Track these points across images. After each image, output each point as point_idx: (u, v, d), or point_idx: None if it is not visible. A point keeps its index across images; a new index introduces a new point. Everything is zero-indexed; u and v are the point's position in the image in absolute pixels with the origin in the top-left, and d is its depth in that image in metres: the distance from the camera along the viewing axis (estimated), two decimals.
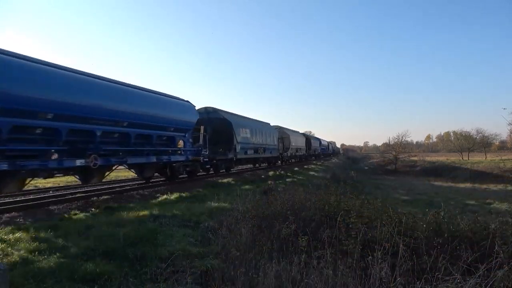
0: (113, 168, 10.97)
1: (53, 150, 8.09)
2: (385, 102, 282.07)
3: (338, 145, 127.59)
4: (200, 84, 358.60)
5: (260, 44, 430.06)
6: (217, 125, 18.21)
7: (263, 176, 19.29)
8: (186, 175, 15.35)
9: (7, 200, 9.73)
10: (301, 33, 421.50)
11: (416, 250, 4.35)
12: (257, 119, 26.08)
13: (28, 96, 7.23)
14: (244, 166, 24.85)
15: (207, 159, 15.76)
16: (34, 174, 8.28)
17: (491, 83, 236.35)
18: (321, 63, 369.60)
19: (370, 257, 3.91)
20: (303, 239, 4.59)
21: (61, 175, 9.85)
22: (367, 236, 4.80)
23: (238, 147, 19.00)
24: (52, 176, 9.24)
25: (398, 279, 3.53)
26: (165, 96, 13.12)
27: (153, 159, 11.69)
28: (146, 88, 12.10)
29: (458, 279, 3.33)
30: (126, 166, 11.76)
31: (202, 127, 15.52)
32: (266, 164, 27.63)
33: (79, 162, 8.58)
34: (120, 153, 10.42)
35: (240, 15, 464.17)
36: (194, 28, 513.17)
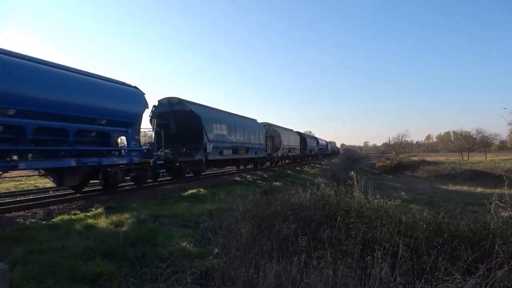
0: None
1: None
2: (385, 102, 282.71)
3: (338, 145, 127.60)
4: (199, 84, 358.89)
5: (260, 45, 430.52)
6: (183, 120, 15.03)
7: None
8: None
9: (7, 200, 9.73)
10: (301, 33, 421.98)
11: (416, 250, 4.34)
12: (242, 114, 22.37)
13: None
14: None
15: (162, 162, 12.41)
16: None
17: (491, 83, 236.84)
18: (321, 64, 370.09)
19: (370, 257, 3.91)
20: (303, 239, 4.59)
21: None
22: (367, 236, 4.80)
23: (210, 147, 15.86)
24: None
25: (398, 279, 3.53)
26: (93, 77, 9.68)
27: (72, 162, 8.56)
28: (58, 64, 8.75)
29: (458, 279, 3.33)
30: (42, 172, 9.06)
31: (154, 121, 12.91)
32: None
33: None
34: (9, 155, 7.27)
35: (240, 15, 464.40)
36: (195, 29, 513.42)
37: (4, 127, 7.22)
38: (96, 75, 9.99)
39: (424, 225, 5.04)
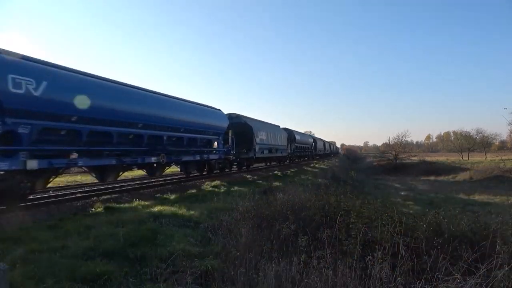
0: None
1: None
2: (385, 102, 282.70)
3: (338, 145, 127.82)
4: (200, 84, 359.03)
5: (259, 45, 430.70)
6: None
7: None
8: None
9: None
10: (301, 33, 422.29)
11: (416, 250, 4.35)
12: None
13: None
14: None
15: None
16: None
17: (491, 83, 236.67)
18: (321, 64, 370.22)
19: (370, 257, 3.91)
20: (303, 239, 4.59)
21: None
22: (367, 236, 4.79)
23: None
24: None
25: (398, 279, 3.53)
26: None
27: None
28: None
29: (458, 279, 3.33)
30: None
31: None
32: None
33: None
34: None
35: (240, 15, 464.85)
36: (195, 30, 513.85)
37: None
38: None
39: (424, 225, 5.04)
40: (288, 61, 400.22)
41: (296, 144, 35.10)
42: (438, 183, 31.41)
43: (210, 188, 12.64)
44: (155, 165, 11.84)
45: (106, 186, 12.77)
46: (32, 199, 9.12)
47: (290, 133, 33.31)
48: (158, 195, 10.64)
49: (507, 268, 3.45)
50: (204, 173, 16.69)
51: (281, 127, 32.31)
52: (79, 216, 7.28)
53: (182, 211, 7.76)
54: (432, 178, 36.09)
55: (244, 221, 5.97)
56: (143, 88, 11.76)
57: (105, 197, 10.16)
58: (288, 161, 33.50)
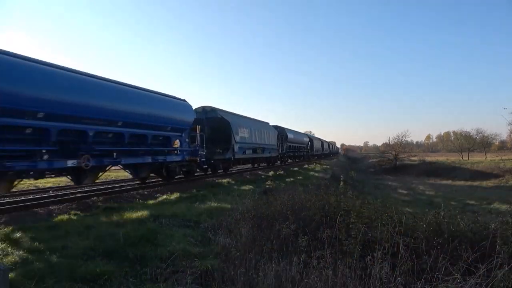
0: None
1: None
2: (385, 102, 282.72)
3: (338, 145, 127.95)
4: (199, 83, 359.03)
5: (258, 45, 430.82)
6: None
7: None
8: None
9: (7, 200, 9.72)
10: (301, 32, 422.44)
11: (416, 250, 4.34)
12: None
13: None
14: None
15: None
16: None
17: (491, 83, 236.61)
18: (321, 64, 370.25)
19: (370, 257, 3.90)
20: (303, 239, 4.59)
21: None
22: (367, 236, 4.79)
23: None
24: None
25: (398, 279, 3.53)
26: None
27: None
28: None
29: (458, 279, 3.33)
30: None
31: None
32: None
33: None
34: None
35: (239, 14, 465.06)
36: (195, 29, 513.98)
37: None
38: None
39: (424, 225, 5.04)
40: (287, 61, 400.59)
41: (288, 144, 31.84)
42: (441, 185, 31.34)
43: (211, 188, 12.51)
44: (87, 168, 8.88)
45: (106, 186, 12.77)
46: None
47: (281, 131, 29.60)
48: (158, 195, 10.65)
49: (507, 268, 3.45)
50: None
51: (270, 124, 28.39)
52: (79, 216, 7.29)
53: (182, 211, 7.76)
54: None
55: (244, 221, 5.98)
56: (51, 64, 8.19)
57: (105, 197, 10.17)
58: (279, 162, 30.40)
